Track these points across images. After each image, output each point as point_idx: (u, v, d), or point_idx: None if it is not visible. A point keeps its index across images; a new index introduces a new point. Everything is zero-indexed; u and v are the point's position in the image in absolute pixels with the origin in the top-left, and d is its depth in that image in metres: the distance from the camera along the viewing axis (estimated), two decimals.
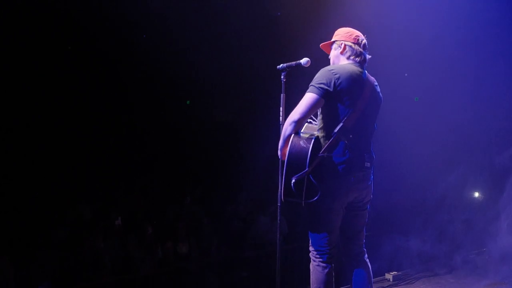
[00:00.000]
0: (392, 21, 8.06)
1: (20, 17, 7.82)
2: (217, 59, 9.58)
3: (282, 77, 4.04)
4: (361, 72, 3.76)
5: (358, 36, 3.87)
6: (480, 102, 8.53)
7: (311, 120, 3.85)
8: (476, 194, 9.32)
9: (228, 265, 8.26)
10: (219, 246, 8.57)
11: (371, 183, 3.80)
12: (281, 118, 3.92)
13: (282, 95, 4.00)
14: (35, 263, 6.77)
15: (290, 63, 4.05)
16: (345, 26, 4.09)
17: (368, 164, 3.70)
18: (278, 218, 4.20)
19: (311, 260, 3.80)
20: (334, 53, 3.91)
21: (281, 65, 4.08)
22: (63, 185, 8.40)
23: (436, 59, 8.63)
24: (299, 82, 4.12)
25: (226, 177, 10.13)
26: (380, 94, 3.88)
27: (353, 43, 3.83)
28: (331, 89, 3.59)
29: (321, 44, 4.00)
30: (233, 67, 9.88)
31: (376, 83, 3.86)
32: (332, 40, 3.93)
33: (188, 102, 11.43)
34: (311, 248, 3.79)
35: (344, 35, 3.88)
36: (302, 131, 3.82)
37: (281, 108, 3.96)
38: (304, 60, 4.00)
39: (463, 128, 8.60)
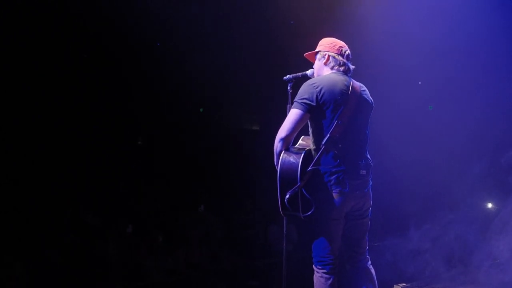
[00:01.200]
0: (401, 30, 8.07)
1: (24, 18, 7.90)
2: (230, 65, 9.60)
3: (288, 87, 4.12)
4: (345, 80, 3.79)
5: (341, 46, 3.92)
6: (485, 105, 8.50)
7: None
8: (490, 205, 9.22)
9: (238, 273, 8.27)
10: (229, 255, 8.58)
11: (368, 190, 3.83)
12: None
13: (288, 105, 4.05)
14: (46, 269, 6.83)
15: (296, 74, 4.12)
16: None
17: (364, 172, 3.73)
18: (284, 228, 4.24)
19: (315, 271, 3.83)
20: (318, 64, 3.97)
21: (288, 76, 4.15)
22: (74, 191, 8.46)
23: (440, 63, 8.61)
24: None
25: (237, 185, 10.13)
26: (370, 98, 3.91)
27: (336, 53, 3.88)
28: (314, 104, 3.65)
29: (306, 53, 4.05)
30: (246, 75, 9.91)
31: (364, 88, 3.90)
32: (316, 50, 3.98)
33: (201, 109, 11.47)
34: (314, 260, 3.81)
35: (327, 45, 3.93)
36: (299, 143, 3.88)
37: None
38: (310, 71, 4.07)
39: (468, 131, 8.56)
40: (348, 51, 3.93)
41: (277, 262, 8.33)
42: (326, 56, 3.90)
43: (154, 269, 7.86)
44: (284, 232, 4.23)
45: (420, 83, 9.70)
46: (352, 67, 3.92)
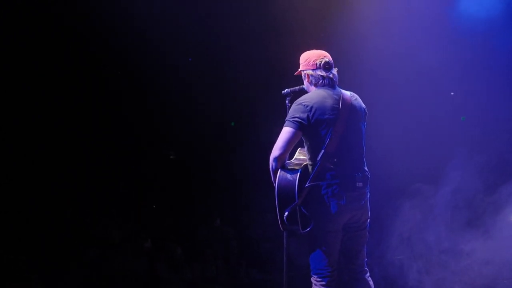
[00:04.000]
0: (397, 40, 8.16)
1: (39, 20, 8.12)
2: (260, 79, 9.67)
3: (286, 101, 4.17)
4: (334, 94, 3.80)
5: (316, 59, 3.88)
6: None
7: None
8: None
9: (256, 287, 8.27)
10: (247, 269, 8.59)
11: (366, 202, 3.84)
12: None
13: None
14: (64, 283, 6.95)
15: (294, 88, 4.17)
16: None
17: (360, 184, 3.74)
18: (284, 242, 4.27)
19: (313, 284, 3.86)
20: (304, 83, 4.00)
21: (286, 90, 4.18)
22: (93, 205, 8.61)
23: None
24: None
25: (256, 198, 10.15)
26: (362, 106, 3.91)
27: (313, 69, 3.87)
28: (305, 122, 3.69)
29: (295, 73, 4.07)
30: (277, 88, 9.92)
31: (355, 97, 3.89)
32: (299, 69, 4.00)
33: (233, 123, 11.52)
34: (312, 273, 3.85)
35: (303, 64, 3.94)
36: (295, 157, 3.91)
37: None
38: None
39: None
40: (325, 59, 3.87)
41: (296, 276, 8.30)
42: (306, 75, 3.92)
43: (172, 282, 7.93)
44: (284, 245, 4.26)
45: (452, 93, 9.64)
46: (334, 74, 3.88)
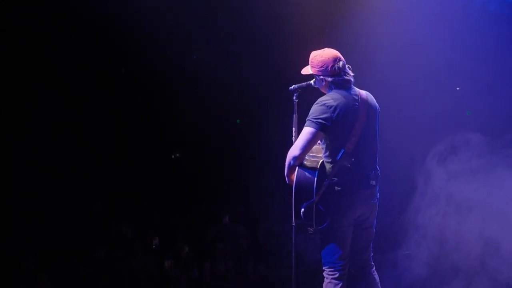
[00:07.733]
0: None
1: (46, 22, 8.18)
2: (268, 78, 9.66)
3: (294, 97, 4.13)
4: (354, 95, 3.80)
5: (333, 65, 3.80)
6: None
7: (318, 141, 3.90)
8: None
9: (264, 284, 8.29)
10: (255, 265, 8.61)
11: (376, 201, 3.89)
12: (293, 138, 4.02)
13: (294, 115, 4.12)
14: (73, 280, 6.99)
15: (301, 84, 4.11)
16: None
17: (373, 182, 3.81)
18: (293, 238, 4.25)
19: (325, 278, 3.86)
20: (322, 86, 3.92)
21: (293, 86, 4.14)
22: (102, 204, 8.65)
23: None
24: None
25: (263, 195, 10.14)
26: (375, 104, 3.91)
27: (331, 75, 3.80)
28: (328, 123, 3.68)
29: (302, 72, 4.00)
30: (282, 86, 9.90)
31: (370, 96, 3.89)
32: (311, 72, 3.92)
33: (238, 121, 11.52)
34: (324, 267, 3.86)
35: (319, 68, 3.83)
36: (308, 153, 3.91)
37: (293, 128, 4.10)
38: (314, 81, 4.04)
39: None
40: (342, 61, 3.80)
41: (304, 272, 8.31)
42: (324, 82, 3.85)
43: (181, 280, 7.95)
44: (293, 241, 4.25)
45: (458, 88, 9.61)
46: (351, 75, 3.85)
